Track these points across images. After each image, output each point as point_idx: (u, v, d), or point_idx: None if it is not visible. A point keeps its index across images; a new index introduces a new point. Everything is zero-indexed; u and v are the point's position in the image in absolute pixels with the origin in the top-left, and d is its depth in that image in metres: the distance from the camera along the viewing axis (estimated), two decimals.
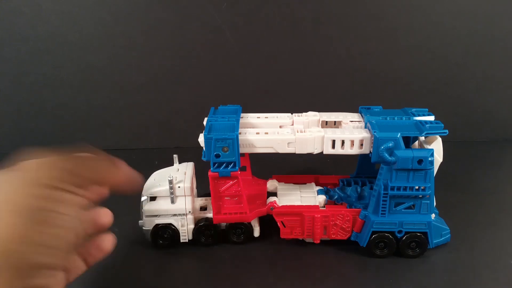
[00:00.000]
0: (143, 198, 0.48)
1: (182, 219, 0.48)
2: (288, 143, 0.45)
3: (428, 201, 0.45)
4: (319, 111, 0.51)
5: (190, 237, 0.49)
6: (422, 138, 0.48)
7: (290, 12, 0.70)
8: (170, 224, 0.48)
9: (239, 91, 0.74)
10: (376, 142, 0.43)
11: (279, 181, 0.54)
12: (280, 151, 0.46)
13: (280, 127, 0.49)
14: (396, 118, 0.47)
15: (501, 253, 0.48)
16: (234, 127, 0.45)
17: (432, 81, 0.75)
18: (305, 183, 0.54)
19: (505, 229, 0.52)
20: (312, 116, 0.50)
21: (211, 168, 0.45)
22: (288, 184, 0.54)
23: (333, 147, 0.46)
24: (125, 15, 0.69)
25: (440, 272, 0.45)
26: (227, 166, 0.45)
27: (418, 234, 0.46)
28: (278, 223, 0.48)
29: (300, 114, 0.51)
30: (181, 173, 0.49)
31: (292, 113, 0.51)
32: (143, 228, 0.48)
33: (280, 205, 0.49)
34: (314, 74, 0.74)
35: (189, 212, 0.48)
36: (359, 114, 0.51)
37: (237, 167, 0.45)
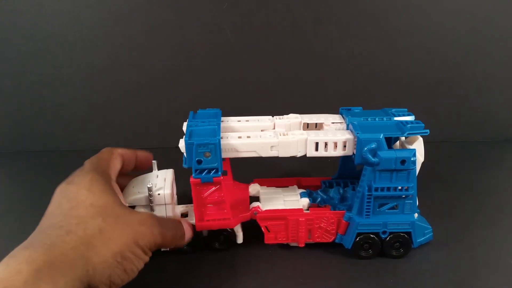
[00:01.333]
0: None
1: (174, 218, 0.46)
2: (271, 146, 0.45)
3: (411, 201, 0.45)
4: (300, 113, 0.51)
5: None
6: (402, 138, 0.48)
7: (284, 15, 0.70)
8: None
9: (239, 91, 0.74)
10: (359, 143, 0.43)
11: (261, 185, 0.53)
12: (263, 155, 0.45)
13: (262, 130, 0.48)
14: (377, 119, 0.47)
15: (501, 253, 0.48)
16: (216, 132, 0.44)
17: (432, 81, 0.75)
18: (288, 186, 0.54)
19: (505, 229, 0.52)
20: (294, 119, 0.49)
21: (193, 174, 0.44)
22: (270, 187, 0.53)
23: (316, 149, 0.45)
24: (125, 15, 0.69)
25: (440, 272, 0.45)
26: (209, 172, 0.43)
27: (402, 234, 0.46)
28: (262, 228, 0.48)
29: (281, 116, 0.50)
30: (161, 179, 0.47)
31: (273, 116, 0.50)
32: None
33: (264, 209, 0.48)
34: (299, 76, 0.74)
35: None
36: (340, 116, 0.50)
37: (219, 173, 0.44)
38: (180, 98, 0.75)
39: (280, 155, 0.45)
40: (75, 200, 0.37)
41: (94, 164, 0.42)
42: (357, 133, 0.44)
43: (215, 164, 0.43)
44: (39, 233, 0.35)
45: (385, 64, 0.73)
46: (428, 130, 0.45)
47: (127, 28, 0.70)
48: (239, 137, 0.45)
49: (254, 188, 0.53)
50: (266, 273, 0.45)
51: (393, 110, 0.49)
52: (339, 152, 0.45)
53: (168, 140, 0.76)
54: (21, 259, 0.31)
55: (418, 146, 0.46)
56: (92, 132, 0.76)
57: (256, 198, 0.51)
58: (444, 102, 0.76)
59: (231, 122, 0.49)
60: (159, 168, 0.49)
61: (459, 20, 0.71)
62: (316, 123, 0.49)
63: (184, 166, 0.45)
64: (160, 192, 0.45)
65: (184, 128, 0.47)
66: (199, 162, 0.43)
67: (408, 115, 0.48)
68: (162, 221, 0.40)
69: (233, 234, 0.48)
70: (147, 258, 0.38)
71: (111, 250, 0.35)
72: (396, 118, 0.47)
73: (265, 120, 0.50)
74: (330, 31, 0.71)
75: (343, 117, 0.50)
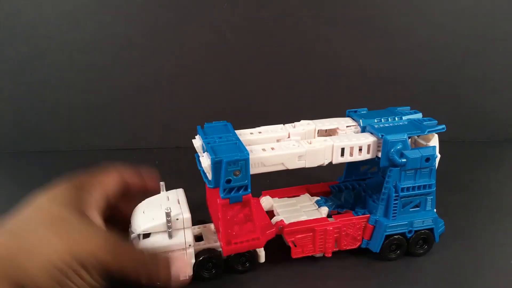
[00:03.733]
0: (133, 235, 0.42)
1: (182, 254, 0.43)
2: (299, 156, 0.43)
3: (432, 197, 0.46)
4: (302, 115, 0.50)
5: (191, 273, 0.43)
6: (415, 136, 0.48)
7: (284, 16, 0.70)
8: None
9: (238, 90, 0.74)
10: (385, 145, 0.43)
11: (271, 196, 0.51)
12: (291, 166, 0.43)
13: (277, 140, 0.46)
14: (389, 119, 0.47)
15: (501, 253, 0.48)
16: (240, 147, 0.41)
17: (431, 81, 0.75)
18: (299, 195, 0.52)
19: (505, 229, 0.52)
20: (307, 125, 0.48)
21: (221, 195, 0.40)
22: (283, 199, 0.51)
23: (342, 155, 0.44)
24: (125, 15, 0.69)
25: (440, 272, 0.45)
26: (238, 190, 0.40)
27: (425, 231, 0.46)
28: (289, 243, 0.45)
29: (293, 124, 0.48)
30: (174, 202, 0.43)
31: (281, 121, 0.48)
32: None
33: (288, 223, 0.46)
34: (299, 78, 0.74)
35: (189, 245, 0.43)
36: (350, 118, 0.49)
37: (249, 190, 0.41)
38: (180, 98, 0.75)
39: (307, 166, 0.43)
40: (33, 205, 0.36)
41: (78, 178, 0.40)
42: (382, 135, 0.43)
43: (245, 181, 0.40)
44: None
45: (385, 64, 0.73)
46: (444, 126, 0.45)
47: (127, 28, 0.70)
48: (264, 150, 0.42)
49: (267, 202, 0.50)
50: (266, 273, 0.45)
51: (398, 109, 0.49)
52: (364, 156, 0.44)
53: (168, 140, 0.76)
54: None
55: (436, 143, 0.46)
56: (92, 132, 0.76)
57: (270, 212, 0.49)
58: (444, 102, 0.76)
59: (244, 135, 0.46)
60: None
61: (459, 20, 0.71)
62: (325, 129, 0.48)
63: (210, 187, 0.41)
64: (179, 217, 0.42)
65: (196, 144, 0.44)
66: (228, 181, 0.40)
67: (415, 113, 0.48)
68: (122, 250, 0.36)
69: (256, 254, 0.45)
70: (90, 279, 0.34)
71: (47, 260, 0.32)
72: (405, 117, 0.47)
73: (278, 130, 0.47)
74: (329, 32, 0.71)
75: (353, 119, 0.49)
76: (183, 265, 0.42)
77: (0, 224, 0.36)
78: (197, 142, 0.44)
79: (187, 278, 0.43)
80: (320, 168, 0.45)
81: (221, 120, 0.47)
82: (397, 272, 0.45)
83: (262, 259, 0.46)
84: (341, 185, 0.53)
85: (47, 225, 0.34)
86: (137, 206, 0.44)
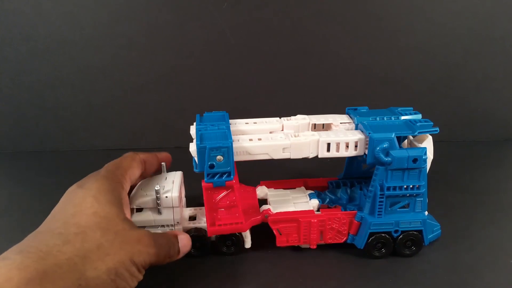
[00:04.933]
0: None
1: (170, 230, 0.46)
2: (283, 148, 0.44)
3: (422, 199, 0.46)
4: (304, 113, 0.50)
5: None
6: (410, 137, 0.48)
7: (285, 15, 0.70)
8: None
9: (239, 91, 0.74)
10: (371, 143, 0.43)
11: (267, 187, 0.53)
12: (275, 157, 0.45)
13: (270, 132, 0.48)
14: (385, 118, 0.47)
15: (501, 253, 0.48)
16: (227, 135, 0.43)
17: (431, 81, 0.75)
18: (295, 188, 0.53)
19: (505, 229, 0.52)
20: (301, 120, 0.49)
21: (205, 179, 0.43)
22: (278, 189, 0.53)
23: (328, 150, 0.45)
24: (125, 15, 0.69)
25: (440, 272, 0.45)
26: (221, 176, 0.43)
27: (414, 232, 0.46)
28: (274, 231, 0.47)
29: (289, 118, 0.50)
30: (169, 182, 0.46)
31: (280, 117, 0.50)
32: None
33: (275, 212, 0.47)
34: (302, 76, 0.74)
35: (177, 222, 0.46)
36: (348, 116, 0.50)
37: (232, 177, 0.43)
38: (180, 99, 0.75)
39: (292, 157, 0.45)
40: (79, 206, 0.36)
41: (109, 171, 0.41)
42: (369, 133, 0.44)
43: (228, 168, 0.43)
44: (36, 236, 0.34)
45: (385, 64, 0.74)
46: (437, 128, 0.45)
47: (127, 28, 0.70)
48: (250, 140, 0.44)
49: (261, 191, 0.52)
50: (266, 273, 0.45)
51: (399, 109, 0.49)
52: (350, 153, 0.45)
53: (168, 140, 0.76)
54: (13, 264, 0.30)
55: (428, 145, 0.46)
56: (92, 132, 0.76)
57: (264, 201, 0.51)
58: (444, 102, 0.76)
59: (239, 124, 0.49)
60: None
61: (459, 20, 0.71)
62: (323, 124, 0.49)
63: (196, 170, 0.44)
64: (168, 194, 0.45)
65: (192, 131, 0.46)
66: (211, 166, 0.42)
67: (415, 113, 0.48)
68: (158, 240, 0.39)
69: (241, 239, 0.47)
70: (140, 277, 0.37)
71: (106, 266, 0.34)
72: (403, 117, 0.47)
73: (273, 122, 0.49)
74: (331, 31, 0.71)
75: (350, 117, 0.49)
76: (185, 237, 0.44)
77: (45, 224, 0.36)
78: (193, 129, 0.46)
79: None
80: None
81: None
82: (395, 272, 0.45)
83: (248, 244, 0.48)
84: (340, 182, 0.54)
85: (99, 232, 0.35)
86: (138, 183, 0.47)
